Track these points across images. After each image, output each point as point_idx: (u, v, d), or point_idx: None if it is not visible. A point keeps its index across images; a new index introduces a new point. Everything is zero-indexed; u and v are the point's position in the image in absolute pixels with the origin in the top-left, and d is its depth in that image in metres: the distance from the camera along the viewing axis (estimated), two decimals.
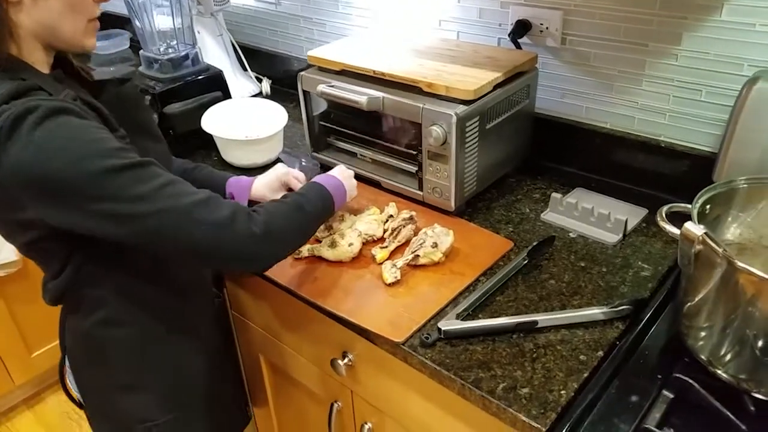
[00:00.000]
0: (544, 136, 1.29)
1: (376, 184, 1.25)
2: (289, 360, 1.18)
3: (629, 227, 1.10)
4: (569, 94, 1.27)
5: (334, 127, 1.31)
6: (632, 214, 1.13)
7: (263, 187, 1.13)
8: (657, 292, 0.97)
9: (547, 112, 1.30)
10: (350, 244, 1.03)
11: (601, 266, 1.02)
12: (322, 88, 1.19)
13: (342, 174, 1.06)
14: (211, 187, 1.12)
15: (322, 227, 1.08)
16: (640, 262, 1.03)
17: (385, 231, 1.09)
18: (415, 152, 1.15)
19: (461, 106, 1.07)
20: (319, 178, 1.02)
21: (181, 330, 0.97)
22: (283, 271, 1.03)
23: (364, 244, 1.07)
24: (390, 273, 0.98)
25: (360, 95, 1.14)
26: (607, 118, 1.24)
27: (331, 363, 1.02)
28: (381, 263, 1.02)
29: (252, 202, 1.11)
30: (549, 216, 1.15)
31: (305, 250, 1.06)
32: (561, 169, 1.30)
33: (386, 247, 1.05)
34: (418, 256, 1.01)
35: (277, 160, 1.40)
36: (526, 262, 1.02)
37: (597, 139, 1.24)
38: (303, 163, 1.41)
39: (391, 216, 1.12)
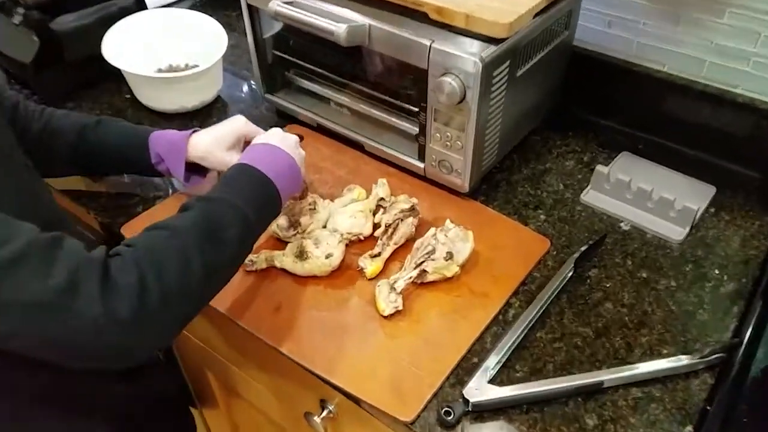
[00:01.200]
0: (580, 77, 0.97)
1: (357, 147, 0.92)
2: (246, 386, 0.89)
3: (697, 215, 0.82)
4: (617, 22, 0.93)
5: (295, 59, 0.94)
6: (697, 195, 0.85)
7: (210, 142, 0.76)
8: (745, 319, 0.72)
9: (585, 46, 0.97)
10: (328, 256, 0.72)
11: (668, 278, 0.76)
12: (276, 6, 0.82)
13: (284, 141, 0.70)
14: (126, 149, 0.78)
15: (283, 222, 0.76)
16: (716, 270, 0.77)
17: (375, 226, 0.78)
18: (416, 109, 0.82)
19: (487, 45, 0.73)
20: (249, 155, 0.66)
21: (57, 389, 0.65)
22: (228, 291, 0.72)
23: (347, 245, 0.76)
24: (387, 302, 0.68)
25: (335, 23, 0.77)
26: (666, 59, 0.92)
27: (305, 416, 0.74)
28: (373, 278, 0.72)
29: (192, 168, 0.77)
30: (590, 196, 0.86)
31: (261, 259, 0.74)
32: (599, 124, 0.99)
33: (379, 254, 0.74)
34: (425, 271, 0.71)
35: (217, 101, 1.03)
36: (571, 274, 0.74)
37: (650, 85, 0.93)
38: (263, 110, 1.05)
39: (383, 200, 0.81)
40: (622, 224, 0.82)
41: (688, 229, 0.81)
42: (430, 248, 0.72)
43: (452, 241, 0.72)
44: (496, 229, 0.80)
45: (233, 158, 0.74)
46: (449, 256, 0.71)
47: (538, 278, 0.75)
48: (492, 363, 0.64)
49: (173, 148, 0.76)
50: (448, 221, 0.75)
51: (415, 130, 0.83)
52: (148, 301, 0.47)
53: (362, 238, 0.78)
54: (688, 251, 0.79)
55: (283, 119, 0.99)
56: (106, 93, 1.04)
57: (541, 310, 0.70)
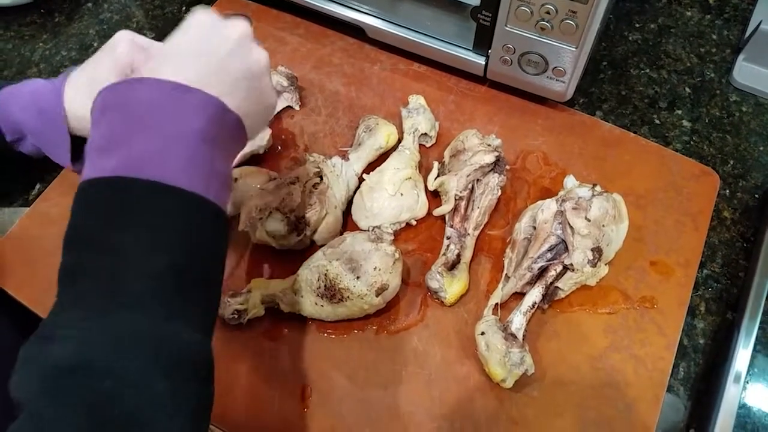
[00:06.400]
0: None
1: (349, 30, 0.53)
2: None
3: None
4: None
5: None
6: None
7: (86, 94, 0.38)
8: None
9: None
10: (381, 290, 0.38)
11: None
12: None
13: (220, 39, 0.30)
14: None
15: (279, 226, 0.40)
16: None
17: (434, 193, 0.44)
18: None
19: None
20: (135, 135, 0.27)
21: None
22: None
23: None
24: (508, 364, 0.37)
25: None
26: None
27: None
28: (453, 304, 0.41)
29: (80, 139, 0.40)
30: (745, 72, 0.53)
31: (253, 301, 0.39)
32: None
33: (458, 260, 0.41)
34: (558, 288, 0.40)
35: None
36: None
37: None
38: None
39: (425, 135, 0.46)
40: None
41: None
42: (552, 242, 0.40)
43: (597, 225, 0.39)
44: (625, 164, 0.47)
45: None
46: (596, 255, 0.39)
47: (721, 251, 0.45)
48: None
49: (42, 112, 0.39)
50: (571, 181, 0.42)
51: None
52: None
53: (414, 222, 0.44)
54: None
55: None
56: None
57: (758, 325, 0.41)
